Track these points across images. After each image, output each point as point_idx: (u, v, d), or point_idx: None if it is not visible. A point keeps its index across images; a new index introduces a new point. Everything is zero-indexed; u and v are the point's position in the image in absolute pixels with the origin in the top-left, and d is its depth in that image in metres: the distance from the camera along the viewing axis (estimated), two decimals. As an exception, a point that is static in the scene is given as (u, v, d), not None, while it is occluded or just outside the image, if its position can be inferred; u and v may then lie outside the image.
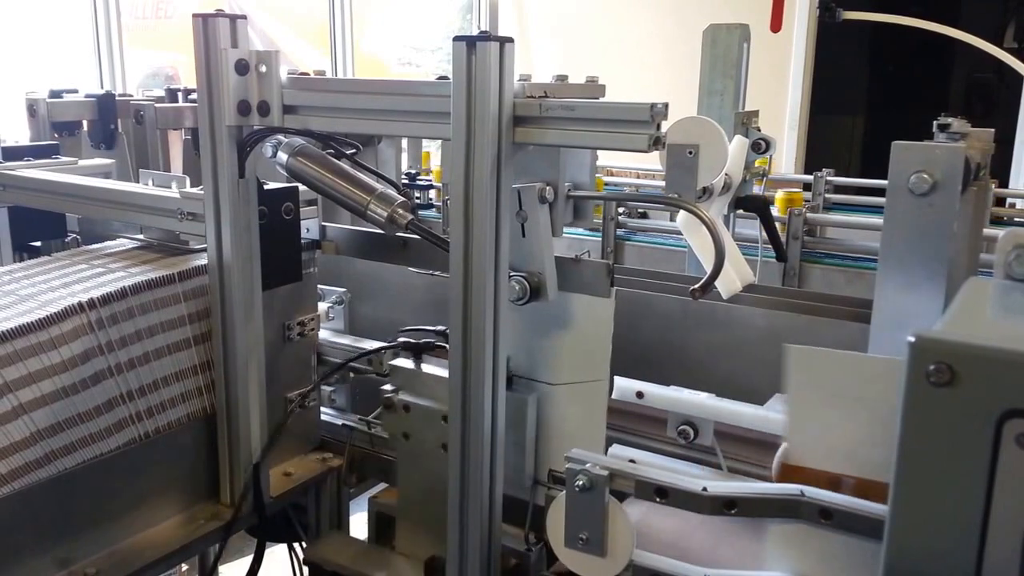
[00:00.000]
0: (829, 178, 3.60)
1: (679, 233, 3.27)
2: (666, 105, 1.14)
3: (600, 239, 3.42)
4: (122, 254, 1.58)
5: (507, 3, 6.40)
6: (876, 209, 3.58)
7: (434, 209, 3.72)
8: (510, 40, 1.18)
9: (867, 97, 6.65)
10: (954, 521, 0.58)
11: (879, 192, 3.65)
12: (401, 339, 1.57)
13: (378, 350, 1.66)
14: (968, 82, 6.32)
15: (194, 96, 2.55)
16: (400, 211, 1.42)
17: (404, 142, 3.55)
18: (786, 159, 5.03)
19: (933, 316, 1.31)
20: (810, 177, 3.61)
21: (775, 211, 2.95)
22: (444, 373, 1.44)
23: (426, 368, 1.49)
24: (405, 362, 1.51)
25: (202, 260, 1.47)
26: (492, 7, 6.36)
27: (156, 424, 1.44)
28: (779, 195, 3.12)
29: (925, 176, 1.27)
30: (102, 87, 3.78)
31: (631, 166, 4.26)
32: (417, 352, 1.52)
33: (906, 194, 1.30)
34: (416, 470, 1.48)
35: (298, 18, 5.84)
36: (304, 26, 5.87)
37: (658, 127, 1.14)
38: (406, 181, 3.51)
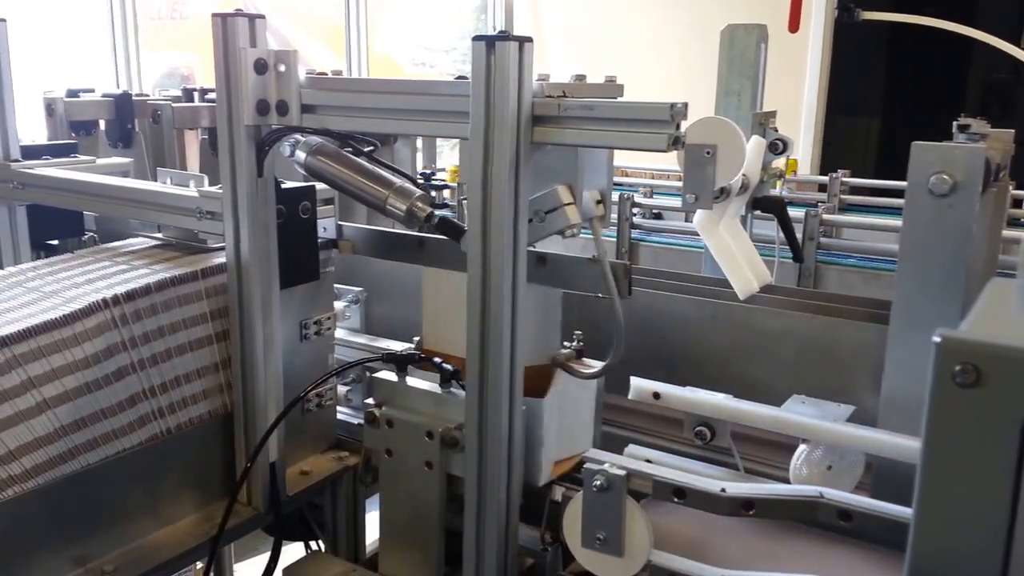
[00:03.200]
0: (845, 179, 3.59)
1: (693, 234, 3.27)
2: (686, 105, 1.14)
3: (615, 239, 3.41)
4: (143, 252, 1.59)
5: (522, 4, 6.40)
6: (892, 210, 3.56)
7: (447, 209, 3.72)
8: (529, 40, 1.18)
9: (883, 98, 6.61)
10: (980, 524, 0.58)
11: (895, 193, 3.63)
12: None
13: (361, 362, 1.60)
14: (985, 83, 6.27)
15: (210, 96, 2.58)
16: (419, 204, 1.42)
17: (419, 142, 3.55)
18: (802, 160, 5.01)
19: (952, 317, 1.30)
20: (826, 178, 3.59)
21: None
22: (430, 387, 1.42)
23: (411, 381, 1.44)
24: (388, 375, 1.45)
25: (222, 258, 1.48)
26: (507, 7, 6.36)
27: (178, 420, 1.45)
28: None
29: (945, 177, 1.27)
30: (118, 87, 3.81)
31: (645, 166, 4.25)
32: (401, 364, 1.45)
33: (926, 194, 1.29)
34: (400, 489, 1.44)
35: (306, 18, 5.86)
36: (315, 26, 5.89)
37: (678, 127, 1.14)
38: (421, 181, 3.51)
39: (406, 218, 1.42)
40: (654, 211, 3.61)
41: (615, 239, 3.41)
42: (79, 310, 1.30)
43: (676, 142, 1.15)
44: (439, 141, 4.21)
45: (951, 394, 0.57)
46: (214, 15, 1.34)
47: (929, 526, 0.60)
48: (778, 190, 3.34)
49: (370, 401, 1.47)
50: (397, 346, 1.84)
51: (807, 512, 1.18)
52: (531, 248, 1.35)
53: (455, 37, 6.83)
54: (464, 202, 3.57)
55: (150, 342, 1.39)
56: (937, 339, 0.57)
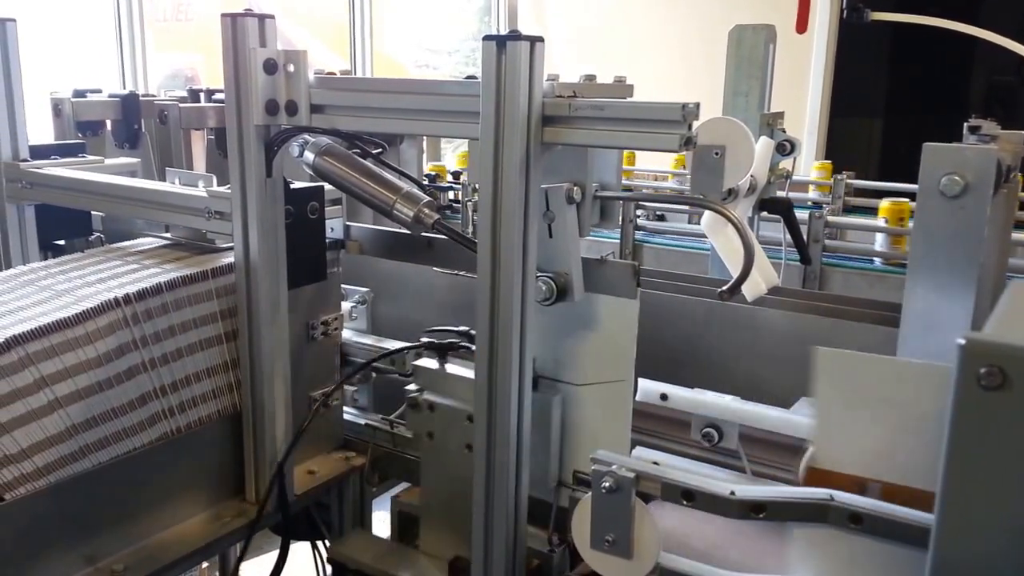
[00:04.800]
0: (849, 181, 3.58)
1: (697, 235, 3.27)
2: (697, 105, 1.14)
3: (618, 241, 3.41)
4: (153, 251, 1.59)
5: (525, 5, 6.40)
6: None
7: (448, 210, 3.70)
8: (540, 39, 1.18)
9: (886, 100, 6.60)
10: (1004, 528, 0.58)
11: (898, 195, 3.62)
12: (424, 339, 1.57)
13: (400, 350, 1.66)
14: (988, 85, 6.26)
15: (216, 96, 2.57)
16: (426, 211, 1.42)
17: (424, 143, 3.55)
18: (805, 161, 5.00)
19: (964, 319, 1.30)
20: (830, 180, 3.59)
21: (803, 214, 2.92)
22: (468, 373, 1.44)
23: (450, 368, 1.49)
24: (430, 362, 1.51)
25: (231, 258, 1.48)
26: (511, 9, 6.36)
27: (188, 419, 1.45)
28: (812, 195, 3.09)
29: (957, 178, 1.26)
30: (124, 87, 3.81)
31: (648, 167, 4.25)
32: (441, 352, 1.52)
33: (937, 196, 1.28)
34: (440, 470, 1.48)
35: (306, 16, 5.84)
36: (315, 24, 5.88)
37: (689, 127, 1.14)
38: (426, 183, 3.51)
39: (413, 224, 1.42)
40: (657, 212, 3.61)
41: (619, 240, 3.41)
42: (91, 309, 1.30)
43: (688, 142, 1.14)
44: (441, 143, 4.21)
45: (976, 397, 0.57)
46: (224, 15, 1.34)
47: (952, 530, 0.60)
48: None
49: (411, 387, 1.50)
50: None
51: (818, 515, 1.17)
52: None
53: (458, 39, 6.83)
54: (470, 203, 3.56)
55: (161, 341, 1.39)
56: (962, 341, 0.57)
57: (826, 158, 5.19)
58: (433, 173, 3.72)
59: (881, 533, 1.13)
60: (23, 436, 1.23)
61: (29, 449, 1.24)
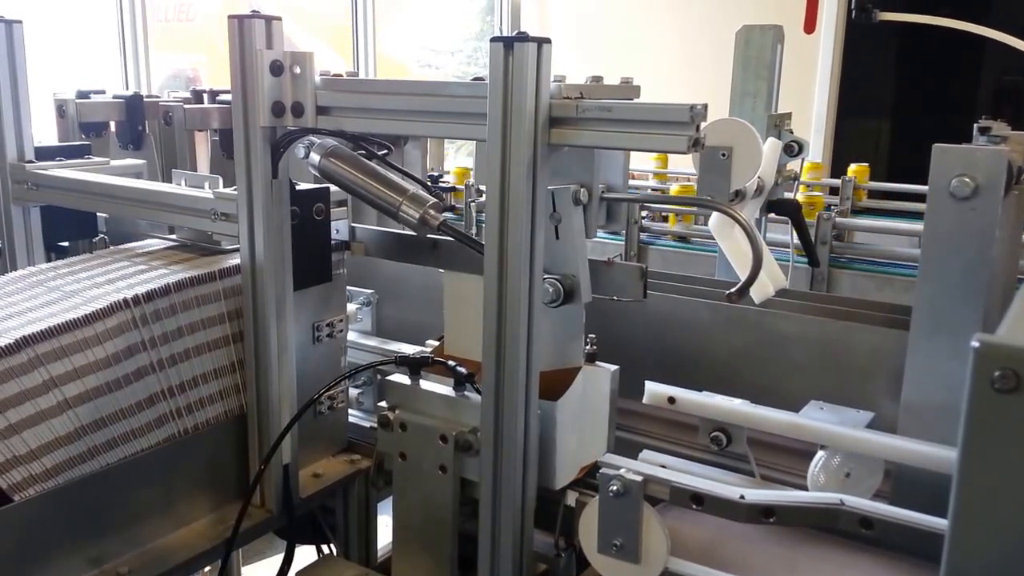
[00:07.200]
0: (857, 182, 3.57)
1: (702, 237, 3.26)
2: (705, 106, 1.13)
3: (623, 243, 3.40)
4: (160, 252, 1.59)
5: (529, 5, 6.40)
6: (903, 214, 3.54)
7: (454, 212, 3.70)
8: (547, 40, 1.18)
9: (893, 100, 6.58)
10: (1019, 534, 0.57)
11: (907, 196, 3.61)
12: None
13: (379, 363, 1.61)
14: (997, 86, 6.23)
15: (221, 97, 2.57)
16: (432, 212, 1.42)
17: (428, 144, 3.55)
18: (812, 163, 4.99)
19: (974, 322, 1.29)
20: (837, 181, 3.58)
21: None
22: (444, 390, 1.41)
23: (424, 385, 1.43)
24: (402, 378, 1.44)
25: (238, 259, 1.48)
26: (514, 9, 6.36)
27: (195, 420, 1.45)
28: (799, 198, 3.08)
29: (967, 180, 1.25)
30: (127, 88, 3.81)
31: (652, 168, 4.24)
32: (415, 367, 1.43)
33: (947, 198, 1.27)
34: (413, 493, 1.42)
35: (302, 13, 5.83)
36: (313, 22, 5.86)
37: (697, 128, 1.13)
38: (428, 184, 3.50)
39: (419, 225, 1.41)
40: (662, 214, 3.60)
41: (623, 242, 3.40)
42: (100, 310, 1.30)
43: (696, 144, 1.14)
44: (446, 143, 4.21)
45: (990, 400, 0.56)
46: (231, 17, 1.34)
47: (965, 536, 0.59)
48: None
49: (383, 404, 1.46)
50: (408, 349, 1.83)
51: (828, 519, 1.16)
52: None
53: (460, 39, 6.82)
54: (473, 204, 3.56)
55: (169, 342, 1.39)
56: (976, 344, 0.56)
57: (833, 159, 5.18)
58: (435, 174, 3.72)
59: (892, 537, 1.13)
60: (32, 437, 1.23)
61: (38, 450, 1.24)
